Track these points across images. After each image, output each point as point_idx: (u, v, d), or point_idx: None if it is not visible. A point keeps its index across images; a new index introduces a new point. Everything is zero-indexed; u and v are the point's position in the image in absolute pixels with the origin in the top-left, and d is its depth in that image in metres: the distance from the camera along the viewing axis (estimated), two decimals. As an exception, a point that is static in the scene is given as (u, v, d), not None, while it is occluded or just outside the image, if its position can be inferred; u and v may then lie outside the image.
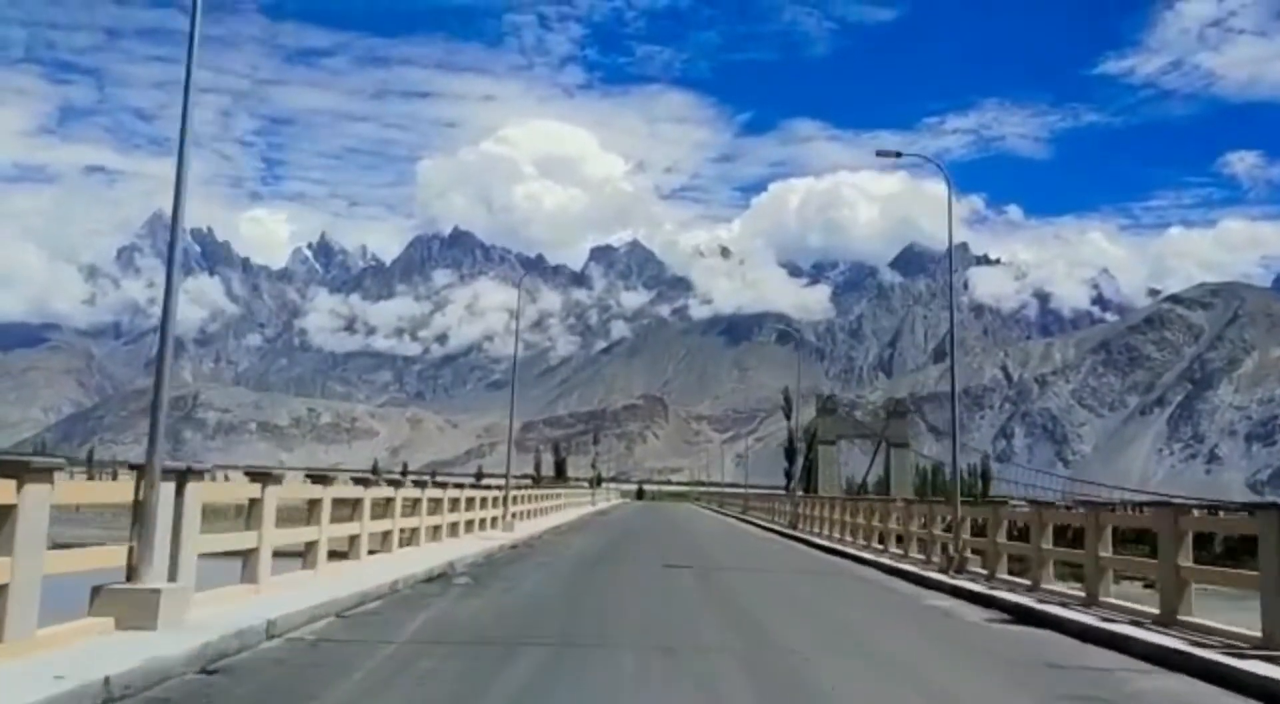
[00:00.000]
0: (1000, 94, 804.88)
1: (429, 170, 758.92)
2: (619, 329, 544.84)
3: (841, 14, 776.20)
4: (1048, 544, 13.90)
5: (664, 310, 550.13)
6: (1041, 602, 12.45)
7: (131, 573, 8.01)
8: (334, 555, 13.97)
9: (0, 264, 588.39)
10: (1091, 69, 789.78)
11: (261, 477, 10.52)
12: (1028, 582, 14.30)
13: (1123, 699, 7.46)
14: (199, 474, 8.91)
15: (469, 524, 23.21)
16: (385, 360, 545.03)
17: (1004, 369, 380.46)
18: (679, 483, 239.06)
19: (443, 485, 21.46)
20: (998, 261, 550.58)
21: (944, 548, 17.52)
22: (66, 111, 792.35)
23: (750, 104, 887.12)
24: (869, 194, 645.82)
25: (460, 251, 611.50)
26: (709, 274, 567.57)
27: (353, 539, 14.20)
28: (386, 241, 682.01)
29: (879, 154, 17.70)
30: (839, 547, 25.41)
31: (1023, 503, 17.55)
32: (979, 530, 18.04)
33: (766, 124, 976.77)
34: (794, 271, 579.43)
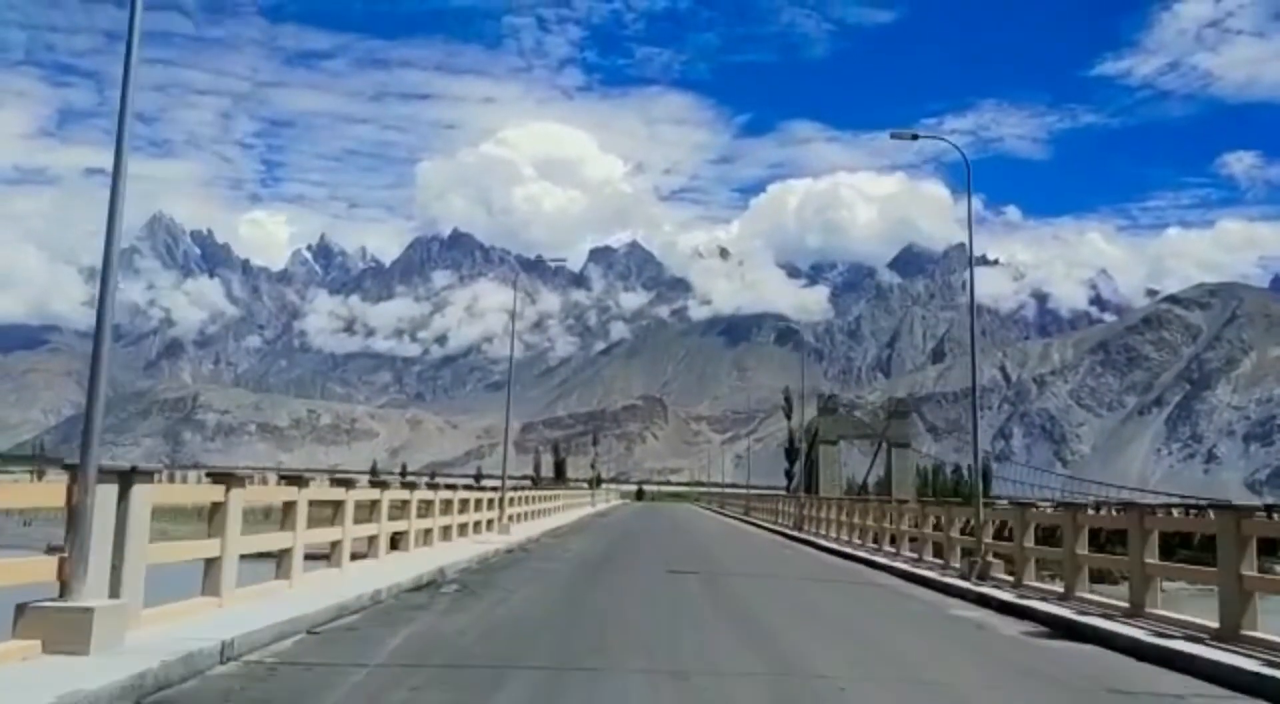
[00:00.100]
0: (998, 95, 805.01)
1: (428, 172, 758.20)
2: (618, 330, 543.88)
3: (840, 15, 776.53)
4: (1082, 549, 12.88)
5: (663, 311, 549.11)
6: (1081, 613, 11.43)
7: (64, 589, 6.99)
8: (317, 557, 13.00)
9: (0, 266, 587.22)
10: (1089, 70, 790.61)
11: (225, 478, 9.50)
12: (1059, 589, 13.28)
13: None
14: (147, 475, 7.87)
15: (463, 527, 22.19)
16: (385, 361, 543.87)
17: (1002, 369, 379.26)
18: (678, 483, 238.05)
19: (435, 487, 20.41)
20: (996, 262, 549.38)
21: (966, 553, 16.50)
22: (66, 114, 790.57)
23: (749, 105, 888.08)
24: (867, 195, 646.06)
25: (460, 253, 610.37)
26: (708, 275, 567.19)
27: (334, 545, 13.16)
28: (386, 243, 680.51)
29: (893, 135, 16.62)
30: (848, 549, 24.40)
31: (1048, 504, 16.52)
32: (1000, 534, 17.05)
33: (765, 125, 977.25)
34: (793, 272, 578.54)
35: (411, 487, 18.16)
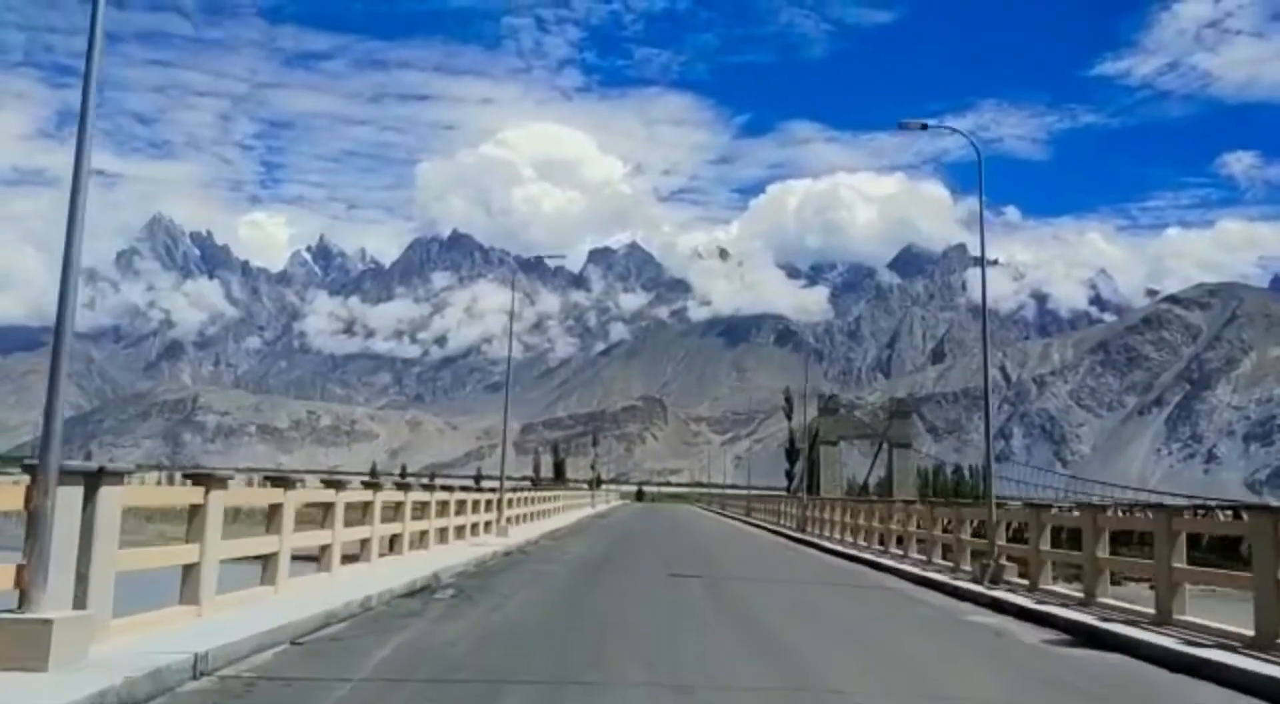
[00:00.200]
0: (998, 95, 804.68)
1: (428, 173, 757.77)
2: (618, 331, 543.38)
3: (839, 16, 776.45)
4: (1103, 552, 12.38)
5: (662, 312, 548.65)
6: (1105, 620, 10.92)
7: (22, 599, 6.49)
8: (310, 559, 12.51)
9: None
10: (1089, 70, 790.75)
11: (204, 479, 8.99)
12: (1077, 594, 12.79)
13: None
14: (115, 475, 7.36)
15: (460, 529, 21.70)
16: (384, 363, 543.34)
17: (1002, 369, 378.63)
18: (678, 484, 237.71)
19: (430, 488, 19.91)
20: (996, 262, 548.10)
21: (977, 555, 16.01)
22: (65, 115, 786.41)
23: (748, 106, 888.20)
24: (867, 195, 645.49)
25: (459, 254, 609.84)
26: (707, 276, 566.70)
27: (324, 548, 12.67)
28: (385, 244, 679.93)
29: (901, 125, 16.11)
30: (853, 551, 23.90)
31: (1069, 504, 16.02)
32: (1013, 536, 16.56)
33: (764, 126, 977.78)
34: (792, 273, 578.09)
35: (405, 488, 17.66)
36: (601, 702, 6.71)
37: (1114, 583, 16.23)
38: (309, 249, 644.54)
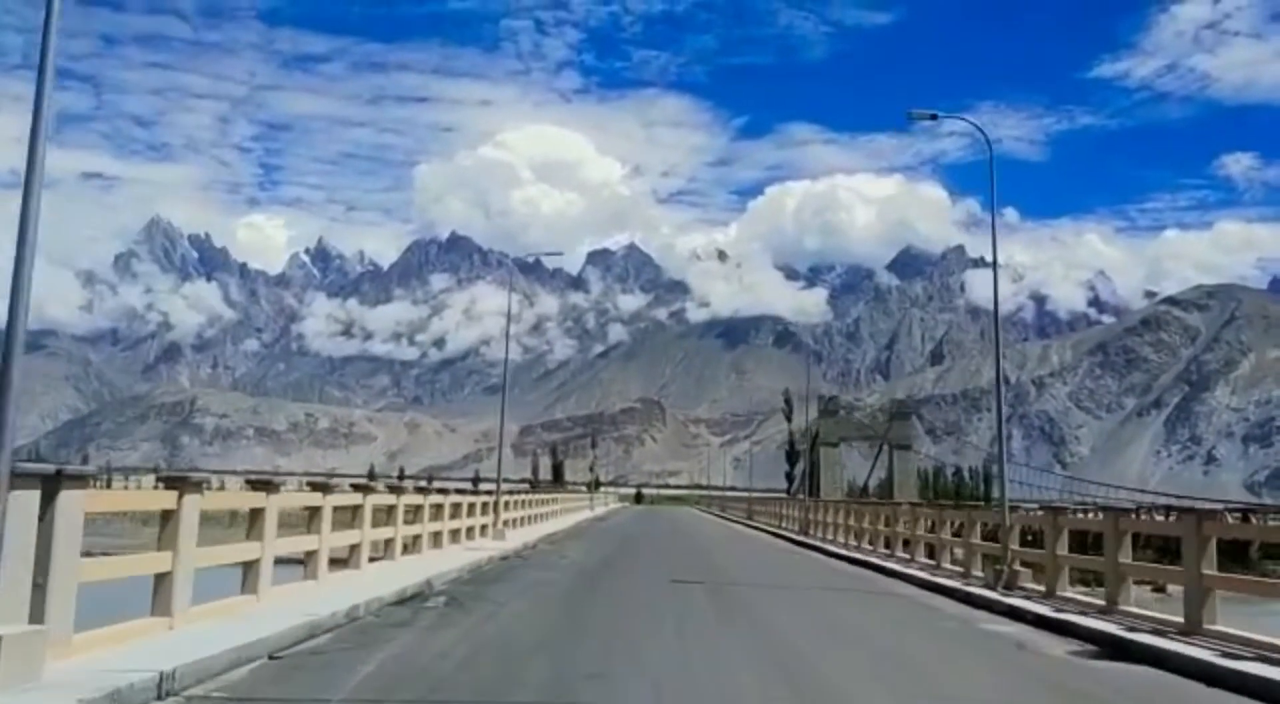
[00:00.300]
0: (996, 97, 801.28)
1: (426, 175, 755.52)
2: (616, 332, 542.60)
3: (837, 18, 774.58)
4: (1126, 558, 11.85)
5: (661, 314, 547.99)
6: (1131, 629, 10.39)
7: (-30, 613, 5.96)
8: (295, 562, 11.99)
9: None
10: (1087, 72, 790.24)
11: (178, 482, 8.45)
12: (1098, 601, 12.26)
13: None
14: (78, 479, 6.82)
15: (455, 533, 21.17)
16: (383, 365, 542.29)
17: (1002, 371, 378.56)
18: (677, 486, 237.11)
19: (424, 491, 19.35)
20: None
21: (991, 560, 15.48)
22: (63, 118, 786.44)
23: (747, 108, 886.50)
24: (865, 197, 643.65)
25: (458, 256, 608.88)
26: (706, 277, 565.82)
27: (310, 555, 12.12)
28: (384, 246, 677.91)
29: (910, 115, 15.58)
30: (859, 555, 23.36)
31: (1090, 507, 15.49)
32: (1028, 540, 16.05)
33: (763, 128, 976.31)
34: (791, 274, 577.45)
35: (398, 491, 17.12)
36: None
37: (1100, 584, 15.72)
38: (307, 251, 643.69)
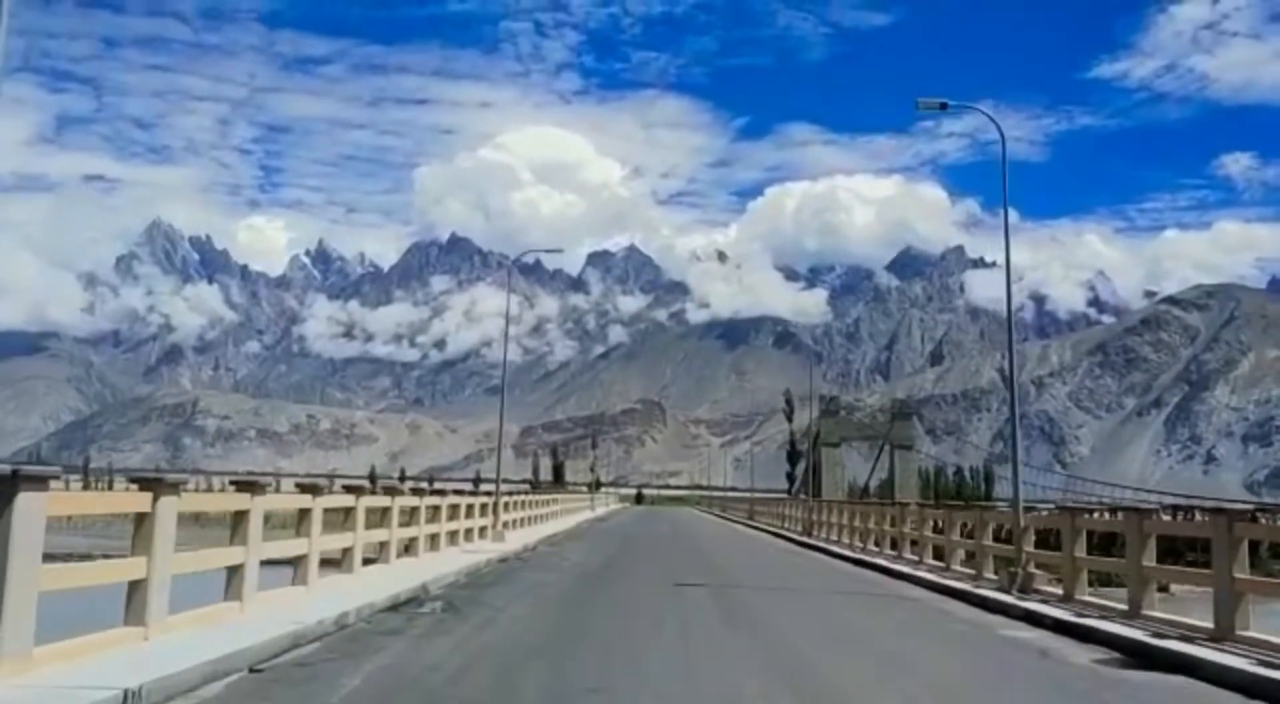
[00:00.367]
0: (995, 97, 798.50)
1: (426, 177, 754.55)
2: (616, 334, 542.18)
3: (837, 18, 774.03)
4: (1149, 561, 11.36)
5: (661, 315, 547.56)
6: (1157, 636, 9.90)
7: (-85, 626, 5.48)
8: (277, 562, 11.49)
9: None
10: (1086, 72, 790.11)
11: (152, 484, 7.97)
12: (1120, 605, 11.77)
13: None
14: (37, 480, 6.33)
15: (453, 535, 20.69)
16: (384, 366, 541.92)
17: (1001, 371, 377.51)
18: (678, 487, 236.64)
19: (420, 492, 18.87)
20: (994, 264, 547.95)
21: (1005, 563, 14.99)
22: (64, 120, 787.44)
23: (746, 109, 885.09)
24: (865, 198, 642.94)
25: (458, 257, 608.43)
26: (706, 278, 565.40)
27: (299, 559, 11.64)
28: (384, 248, 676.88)
29: (919, 105, 15.10)
30: (864, 557, 22.88)
31: (1111, 507, 15.01)
32: (1042, 541, 15.56)
33: (762, 129, 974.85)
34: (790, 275, 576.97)
35: (393, 492, 16.63)
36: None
37: (1104, 585, 15.24)
38: (308, 253, 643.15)
